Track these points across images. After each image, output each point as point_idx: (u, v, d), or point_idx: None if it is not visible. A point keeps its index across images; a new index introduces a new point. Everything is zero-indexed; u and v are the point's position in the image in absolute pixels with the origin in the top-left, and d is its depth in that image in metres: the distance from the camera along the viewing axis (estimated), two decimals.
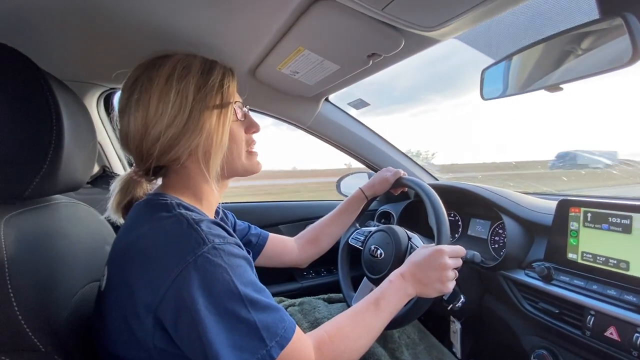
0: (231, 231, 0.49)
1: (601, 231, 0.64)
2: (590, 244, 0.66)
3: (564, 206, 0.71)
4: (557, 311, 0.66)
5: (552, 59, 0.63)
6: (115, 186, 0.57)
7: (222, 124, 0.53)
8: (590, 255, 0.65)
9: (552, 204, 0.77)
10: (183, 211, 0.46)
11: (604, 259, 0.63)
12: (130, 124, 0.51)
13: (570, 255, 0.69)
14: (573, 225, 0.69)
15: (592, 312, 0.60)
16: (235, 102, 0.56)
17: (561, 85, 0.58)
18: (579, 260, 0.67)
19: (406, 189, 0.95)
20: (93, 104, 0.98)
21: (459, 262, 0.65)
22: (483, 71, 0.72)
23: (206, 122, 0.51)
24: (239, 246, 0.47)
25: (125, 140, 0.53)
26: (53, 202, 0.61)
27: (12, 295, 0.39)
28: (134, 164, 0.55)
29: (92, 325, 0.51)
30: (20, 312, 0.39)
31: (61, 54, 0.73)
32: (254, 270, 0.48)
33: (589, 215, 0.67)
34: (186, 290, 0.39)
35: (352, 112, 1.25)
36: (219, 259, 0.42)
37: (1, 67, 0.47)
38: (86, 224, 0.67)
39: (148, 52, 0.55)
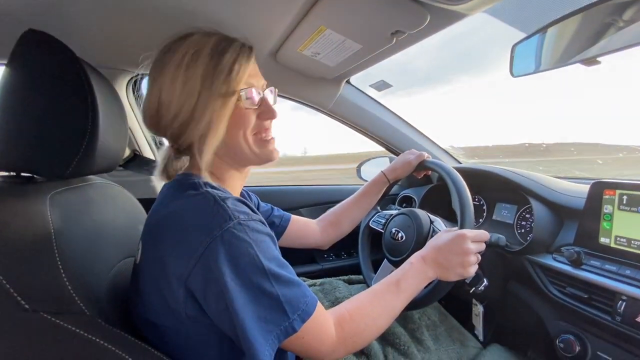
0: (255, 209, 0.51)
1: (637, 214, 0.61)
2: (625, 227, 0.63)
3: (598, 188, 0.68)
4: (586, 296, 0.64)
5: (591, 31, 0.59)
6: (161, 153, 0.60)
7: (224, 111, 0.52)
8: (625, 240, 0.62)
9: (584, 188, 0.74)
10: (210, 189, 0.48)
11: (639, 243, 0.60)
12: (147, 105, 0.54)
13: (603, 240, 0.66)
14: (607, 209, 0.66)
15: (624, 297, 0.57)
16: (250, 87, 0.54)
17: (599, 59, 0.55)
18: (612, 245, 0.64)
19: (429, 173, 0.94)
20: (123, 90, 1.02)
21: (482, 247, 0.64)
22: (514, 46, 0.68)
23: (212, 109, 0.51)
24: (263, 223, 0.49)
25: (145, 121, 0.56)
26: (90, 182, 0.65)
27: (59, 264, 0.43)
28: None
29: (129, 295, 0.54)
30: (67, 279, 0.43)
31: (92, 39, 0.76)
32: (278, 247, 0.50)
33: (625, 197, 0.63)
34: (214, 262, 0.41)
35: (374, 94, 1.22)
36: (244, 234, 0.43)
37: (39, 54, 0.50)
38: (120, 203, 0.71)
39: (171, 35, 0.55)
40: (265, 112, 0.57)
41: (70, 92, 0.51)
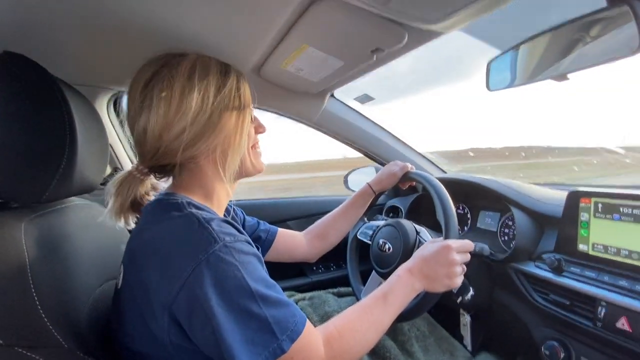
0: (241, 229, 0.50)
1: (612, 222, 0.64)
2: (602, 235, 0.65)
3: (574, 197, 0.70)
4: (568, 303, 0.66)
5: (560, 47, 0.62)
6: (111, 187, 0.55)
7: (240, 126, 0.54)
8: (602, 247, 0.65)
9: (562, 195, 0.76)
10: (194, 210, 0.47)
11: (615, 249, 0.62)
12: (150, 119, 0.49)
13: (581, 247, 0.68)
14: (583, 217, 0.68)
15: (604, 303, 0.59)
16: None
17: (568, 75, 0.57)
18: (590, 252, 0.66)
19: (414, 183, 0.95)
20: (103, 107, 1.01)
21: (467, 257, 0.65)
22: (489, 63, 0.71)
23: (226, 123, 0.52)
24: (249, 243, 0.48)
25: (142, 137, 0.51)
26: (69, 204, 0.63)
27: (35, 295, 0.41)
28: (138, 161, 0.55)
29: (110, 322, 0.52)
30: (43, 311, 0.41)
31: (69, 59, 0.75)
32: (264, 266, 0.49)
33: (600, 205, 0.66)
34: (199, 287, 0.40)
35: (358, 106, 1.24)
36: (230, 257, 0.43)
37: (14, 75, 0.49)
38: (101, 224, 0.69)
39: (154, 53, 0.55)
40: (258, 126, 0.62)
41: (47, 113, 0.50)
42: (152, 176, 0.57)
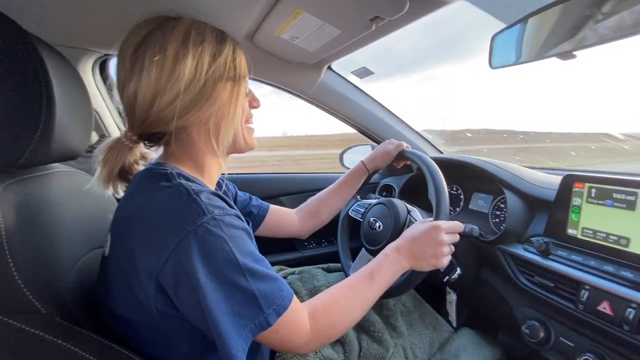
0: (231, 202, 0.49)
1: (604, 207, 0.63)
2: (592, 220, 0.65)
3: (568, 181, 0.70)
4: (552, 285, 0.66)
5: (570, 23, 0.59)
6: (98, 154, 0.54)
7: (235, 98, 0.52)
8: (591, 231, 0.64)
9: (557, 179, 0.75)
10: (183, 181, 0.46)
11: (604, 235, 0.62)
12: (141, 84, 0.47)
13: (570, 231, 0.68)
14: (576, 201, 0.68)
15: (587, 287, 0.60)
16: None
17: (575, 52, 0.55)
18: (579, 236, 0.66)
19: (409, 162, 0.94)
20: (88, 71, 0.96)
21: (456, 238, 0.65)
22: (493, 37, 0.67)
23: (220, 93, 0.50)
24: (239, 217, 0.47)
25: (132, 103, 0.49)
26: (51, 171, 0.61)
27: (9, 260, 0.40)
28: (127, 128, 0.53)
29: (97, 288, 0.52)
30: (19, 277, 0.40)
31: (51, 18, 0.70)
32: (254, 241, 0.49)
33: (593, 190, 0.65)
34: (186, 258, 0.40)
35: (356, 81, 1.20)
36: (218, 230, 0.42)
37: None
38: (87, 192, 0.67)
39: (142, 16, 0.51)
40: (252, 100, 0.60)
41: (20, 73, 0.46)
42: (141, 145, 0.55)
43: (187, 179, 0.48)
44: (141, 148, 0.57)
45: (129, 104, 0.49)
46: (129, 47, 0.48)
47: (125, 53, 0.48)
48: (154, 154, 0.58)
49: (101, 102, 1.04)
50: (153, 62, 0.46)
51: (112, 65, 1.03)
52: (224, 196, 0.48)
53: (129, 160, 0.55)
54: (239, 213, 0.48)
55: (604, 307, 0.56)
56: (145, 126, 0.50)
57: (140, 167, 0.57)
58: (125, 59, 0.48)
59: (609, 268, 0.59)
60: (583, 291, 0.60)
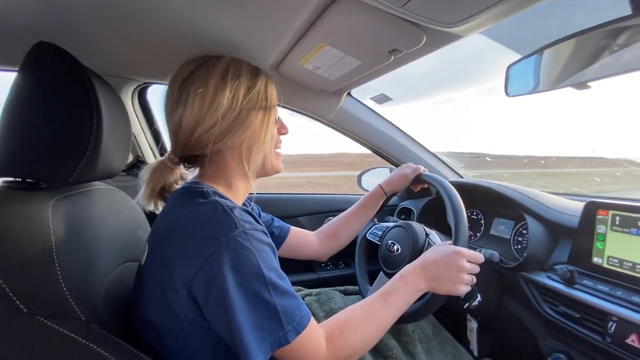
0: (259, 219, 0.53)
1: (630, 236, 0.62)
2: (618, 248, 0.63)
3: (592, 208, 0.69)
4: (577, 315, 0.64)
5: (586, 54, 0.60)
6: (144, 174, 0.60)
7: (265, 125, 0.58)
8: (617, 260, 0.63)
9: (579, 206, 0.74)
10: (218, 198, 0.51)
11: (631, 264, 0.60)
12: (185, 113, 0.54)
13: (596, 260, 0.66)
14: (600, 229, 0.67)
15: (615, 319, 0.58)
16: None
17: (589, 83, 0.56)
18: (605, 265, 0.65)
19: (427, 186, 0.95)
20: (128, 97, 1.05)
21: (476, 269, 0.65)
22: (509, 67, 0.69)
23: (252, 121, 0.56)
24: (265, 234, 0.51)
25: (177, 129, 0.55)
26: (92, 188, 0.66)
27: (58, 269, 0.44)
28: (170, 151, 0.59)
29: (132, 296, 0.56)
30: (65, 285, 0.44)
31: (101, 52, 0.79)
32: (277, 258, 0.52)
33: (617, 218, 0.64)
34: (218, 268, 0.43)
35: (375, 106, 1.24)
36: (248, 243, 0.45)
37: (48, 64, 0.53)
38: (121, 208, 0.72)
39: (179, 49, 0.59)
40: (281, 127, 0.66)
41: (76, 101, 0.53)
42: (181, 166, 0.62)
43: (221, 196, 0.53)
44: (181, 169, 0.63)
45: (174, 130, 0.56)
46: (177, 81, 0.56)
47: (174, 85, 0.56)
48: (191, 175, 0.64)
49: (138, 126, 1.13)
50: (197, 94, 0.53)
51: (149, 91, 1.12)
52: (252, 213, 0.52)
53: (170, 180, 0.61)
54: (265, 229, 0.51)
55: (633, 339, 0.54)
56: (186, 149, 0.56)
57: (179, 186, 0.62)
58: (174, 91, 0.56)
59: (637, 299, 0.57)
60: (610, 323, 0.58)
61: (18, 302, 0.41)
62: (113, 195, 0.73)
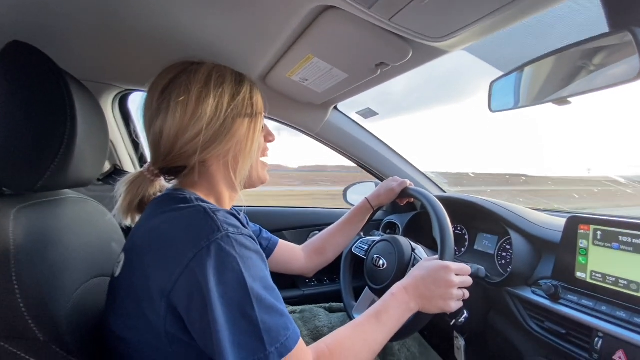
0: (245, 224, 0.50)
1: (611, 250, 0.62)
2: (600, 263, 0.64)
3: (573, 223, 0.69)
4: (564, 332, 0.64)
5: (564, 72, 0.63)
6: (121, 186, 0.57)
7: (252, 133, 0.56)
8: (600, 275, 0.63)
9: (562, 221, 0.75)
10: (201, 203, 0.48)
11: (614, 279, 0.61)
12: (167, 123, 0.51)
13: (579, 274, 0.67)
14: (582, 243, 0.67)
15: (601, 334, 0.57)
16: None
17: (569, 99, 0.57)
18: (588, 280, 0.65)
19: (412, 200, 0.95)
20: (108, 104, 1.01)
21: (467, 280, 0.63)
22: (492, 83, 0.71)
23: (238, 129, 0.54)
24: (253, 239, 0.47)
25: (157, 139, 0.52)
26: (63, 197, 0.62)
27: (15, 284, 0.40)
28: (150, 162, 0.56)
29: (104, 310, 0.52)
30: (22, 301, 0.40)
31: (81, 55, 0.76)
32: (267, 266, 0.48)
33: (599, 233, 0.65)
34: (200, 274, 0.39)
35: (360, 121, 1.25)
36: (231, 248, 0.42)
37: (22, 64, 0.50)
38: (94, 220, 0.68)
39: (163, 56, 0.57)
40: (268, 134, 0.64)
41: (49, 104, 0.50)
42: (161, 178, 0.58)
43: (204, 202, 0.49)
44: (161, 181, 0.59)
45: (154, 140, 0.53)
46: (157, 89, 0.53)
47: (153, 94, 0.53)
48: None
49: (117, 133, 1.09)
50: (178, 102, 0.50)
51: (130, 99, 1.09)
52: (239, 217, 0.49)
53: (149, 192, 0.58)
54: (252, 234, 0.48)
55: (620, 356, 0.54)
56: (168, 160, 0.53)
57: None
58: (153, 99, 0.53)
59: (622, 314, 0.57)
60: (597, 339, 0.57)
61: None
62: (86, 205, 0.68)
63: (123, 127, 1.10)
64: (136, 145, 1.15)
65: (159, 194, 0.60)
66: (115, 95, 1.02)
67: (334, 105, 1.11)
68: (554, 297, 0.67)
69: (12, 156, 0.48)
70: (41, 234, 0.50)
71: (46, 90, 0.50)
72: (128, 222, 0.58)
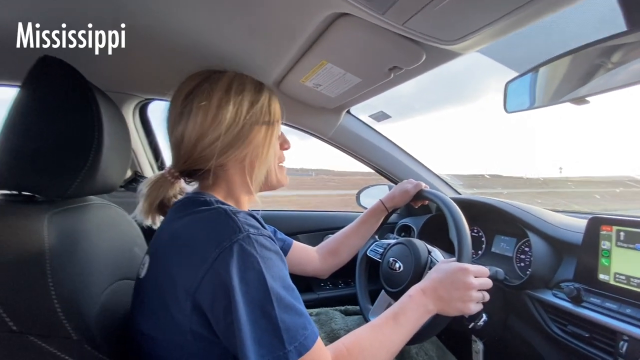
0: (265, 225, 0.52)
1: (635, 252, 0.61)
2: (624, 264, 0.62)
3: (595, 224, 0.68)
4: (587, 335, 0.62)
5: (581, 72, 0.62)
6: (143, 187, 0.59)
7: (268, 140, 0.58)
8: (624, 277, 0.62)
9: (582, 222, 0.73)
10: (221, 205, 0.50)
11: (638, 281, 0.59)
12: (188, 127, 0.53)
13: (602, 276, 0.65)
14: (605, 245, 0.66)
15: (626, 338, 0.56)
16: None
17: (587, 98, 0.57)
18: (611, 282, 0.63)
19: (427, 202, 0.94)
20: (130, 113, 1.05)
21: (486, 282, 0.62)
22: (507, 84, 0.71)
23: (255, 135, 0.56)
24: (272, 240, 0.49)
25: (179, 143, 0.55)
26: (89, 203, 0.65)
27: (52, 287, 0.43)
28: (171, 165, 0.59)
29: (130, 310, 0.54)
30: (58, 303, 0.42)
31: (104, 67, 0.79)
32: (286, 266, 0.49)
33: (622, 234, 0.63)
34: (224, 273, 0.41)
35: (373, 123, 1.26)
36: (252, 248, 0.44)
37: (52, 78, 0.53)
38: (118, 225, 0.71)
39: (182, 66, 0.59)
40: (284, 142, 0.66)
41: (78, 115, 0.53)
42: (182, 180, 0.61)
43: (224, 204, 0.51)
44: (181, 183, 0.62)
45: (175, 144, 0.56)
46: (181, 95, 0.55)
47: (176, 100, 0.56)
48: (191, 189, 0.63)
49: (138, 141, 1.13)
50: (200, 107, 0.53)
51: (150, 108, 1.12)
52: (258, 218, 0.51)
53: (169, 194, 0.60)
54: (271, 235, 0.49)
55: None
56: (188, 163, 0.55)
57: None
58: (177, 105, 0.55)
59: None
60: (622, 342, 0.56)
61: (8, 320, 0.39)
62: (110, 211, 0.71)
63: (143, 135, 1.14)
64: (156, 152, 1.19)
65: (179, 195, 0.62)
66: (136, 105, 1.06)
67: (346, 110, 1.12)
68: (577, 300, 0.65)
69: (44, 165, 0.50)
70: (72, 238, 0.53)
71: (75, 102, 0.53)
72: (149, 222, 0.60)
